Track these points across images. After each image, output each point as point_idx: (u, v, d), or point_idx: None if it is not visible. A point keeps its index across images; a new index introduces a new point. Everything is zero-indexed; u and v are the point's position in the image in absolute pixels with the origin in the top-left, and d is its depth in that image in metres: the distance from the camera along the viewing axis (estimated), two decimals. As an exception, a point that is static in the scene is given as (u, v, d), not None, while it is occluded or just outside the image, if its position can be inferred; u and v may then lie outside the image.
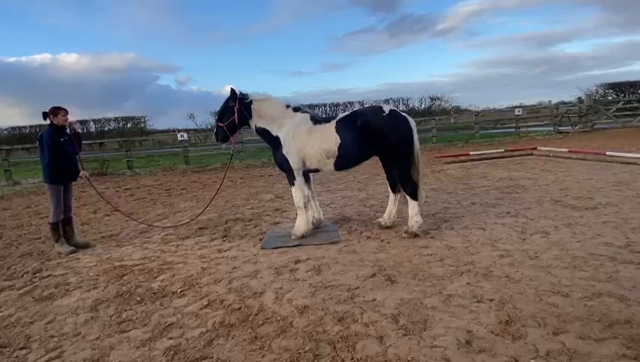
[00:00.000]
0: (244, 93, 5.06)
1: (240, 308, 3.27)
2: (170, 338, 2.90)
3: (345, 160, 4.84)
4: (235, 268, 4.19)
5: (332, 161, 4.85)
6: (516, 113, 19.55)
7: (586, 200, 5.85)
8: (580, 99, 22.16)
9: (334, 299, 3.28)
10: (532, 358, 2.33)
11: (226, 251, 4.79)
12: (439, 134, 18.23)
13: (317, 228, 5.33)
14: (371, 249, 4.45)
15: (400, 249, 4.37)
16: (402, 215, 5.74)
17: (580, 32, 75.08)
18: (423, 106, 35.85)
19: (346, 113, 5.01)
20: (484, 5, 76.99)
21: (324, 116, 5.26)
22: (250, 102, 4.99)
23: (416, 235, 4.73)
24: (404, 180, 4.84)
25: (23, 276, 4.44)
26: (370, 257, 4.18)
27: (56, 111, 5.10)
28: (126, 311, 3.38)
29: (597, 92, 31.00)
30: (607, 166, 8.64)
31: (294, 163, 4.90)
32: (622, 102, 20.67)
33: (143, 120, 38.01)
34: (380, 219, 5.32)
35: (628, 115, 19.08)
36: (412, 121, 4.90)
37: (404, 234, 4.80)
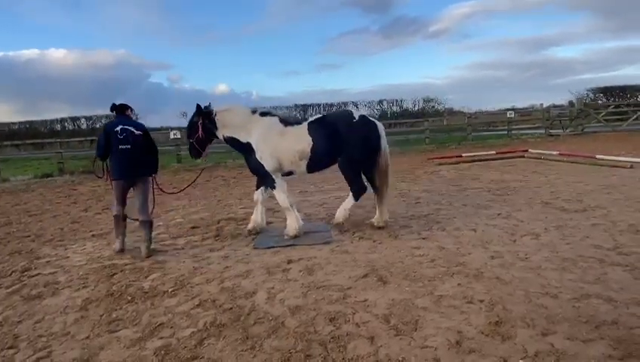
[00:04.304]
0: (207, 106, 5.13)
1: (231, 307, 3.26)
2: (161, 338, 2.88)
3: (316, 161, 5.00)
4: (226, 267, 4.18)
5: (305, 163, 4.98)
6: (508, 116, 19.75)
7: (576, 203, 5.92)
8: (570, 103, 22.46)
9: (326, 300, 3.29)
10: (521, 358, 2.36)
11: (218, 250, 4.77)
12: (432, 136, 18.33)
13: (258, 233, 5.32)
14: (363, 249, 4.46)
15: (392, 249, 4.39)
16: (394, 215, 5.77)
17: (571, 36, 75.87)
18: (416, 108, 35.99)
19: (318, 116, 5.22)
20: (477, 8, 77.41)
21: (294, 118, 5.46)
22: (213, 114, 5.07)
23: (341, 224, 5.11)
24: (353, 180, 5.05)
25: (11, 274, 4.38)
26: (362, 258, 4.20)
27: None
28: (116, 310, 3.36)
29: (588, 96, 31.38)
30: (596, 169, 8.75)
31: (269, 166, 4.96)
32: (612, 107, 20.96)
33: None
34: (373, 220, 5.35)
35: (618, 119, 19.36)
36: (381, 127, 5.11)
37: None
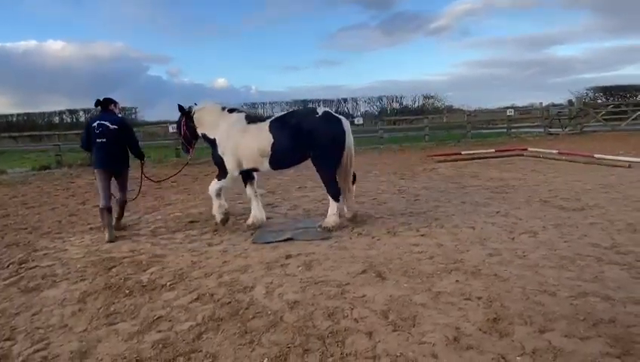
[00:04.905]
0: (191, 106, 5.48)
1: (230, 302, 3.26)
2: (159, 331, 2.88)
3: (278, 159, 5.02)
4: (225, 262, 4.17)
5: (267, 160, 5.02)
6: (508, 114, 19.73)
7: (574, 202, 5.93)
8: (570, 102, 22.46)
9: (324, 295, 3.29)
10: (518, 356, 2.37)
11: (216, 245, 4.77)
12: (431, 133, 18.31)
13: (258, 227, 5.34)
14: (362, 245, 4.46)
15: (390, 246, 4.40)
16: (393, 211, 5.78)
17: (572, 35, 75.52)
18: (416, 104, 35.95)
19: (282, 113, 5.26)
20: (478, 5, 77.18)
21: (261, 115, 5.55)
22: (192, 113, 5.38)
23: (329, 230, 4.95)
24: (327, 181, 5.01)
25: (8, 266, 4.37)
26: (360, 253, 4.20)
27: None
28: (114, 303, 3.35)
29: (587, 95, 31.40)
30: (595, 168, 8.77)
31: (230, 163, 5.12)
32: (611, 106, 20.98)
33: (133, 111, 37.50)
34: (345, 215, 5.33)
35: (617, 118, 19.37)
36: (346, 124, 5.04)
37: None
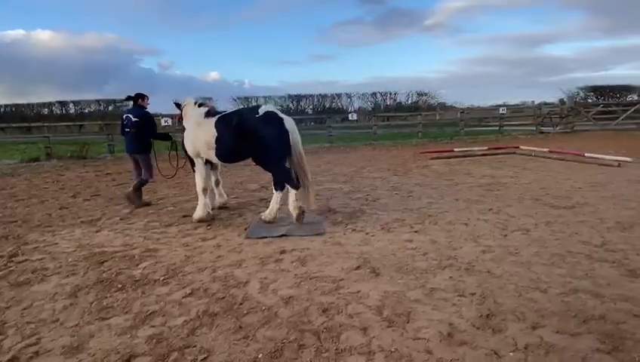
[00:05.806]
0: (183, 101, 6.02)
1: (224, 297, 3.25)
2: (153, 326, 2.86)
3: (222, 153, 5.22)
4: (219, 256, 4.16)
5: (213, 153, 5.26)
6: (500, 112, 19.87)
7: (565, 200, 6.01)
8: (561, 101, 22.62)
9: (319, 290, 3.29)
10: (511, 351, 2.40)
11: (210, 240, 4.74)
12: (425, 130, 18.39)
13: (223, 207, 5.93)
14: (356, 241, 4.47)
15: (385, 242, 4.41)
16: (387, 208, 5.79)
17: (564, 34, 75.84)
18: (409, 101, 35.92)
19: (229, 111, 5.53)
20: (472, 2, 76.96)
21: (219, 111, 5.65)
22: (182, 108, 5.93)
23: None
24: (285, 178, 5.08)
25: (-3, 260, 4.30)
26: (355, 249, 4.21)
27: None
28: (106, 298, 3.32)
29: (578, 94, 31.67)
30: (585, 167, 8.89)
31: (189, 150, 5.54)
32: (601, 106, 21.23)
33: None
34: (262, 215, 5.31)
35: (607, 118, 19.62)
36: (289, 123, 5.08)
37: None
